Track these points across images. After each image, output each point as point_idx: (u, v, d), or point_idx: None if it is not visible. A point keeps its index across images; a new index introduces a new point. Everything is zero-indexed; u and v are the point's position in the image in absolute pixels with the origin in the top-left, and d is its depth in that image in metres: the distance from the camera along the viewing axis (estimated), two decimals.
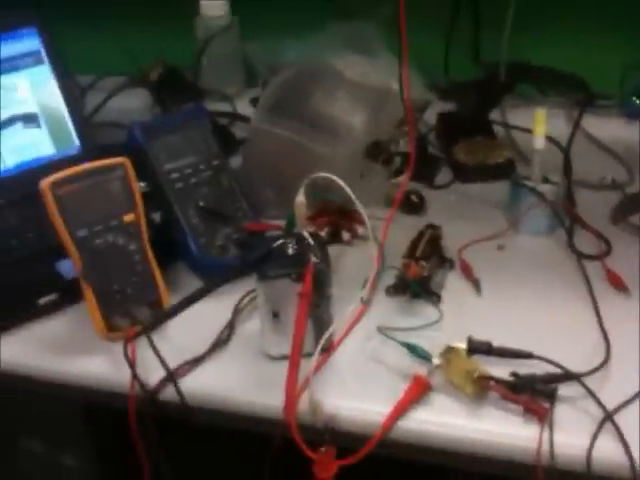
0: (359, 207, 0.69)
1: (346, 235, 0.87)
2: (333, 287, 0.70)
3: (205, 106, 0.91)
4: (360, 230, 0.88)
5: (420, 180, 0.98)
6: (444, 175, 1.02)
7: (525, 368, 0.65)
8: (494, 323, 0.72)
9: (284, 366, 0.65)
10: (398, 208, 0.92)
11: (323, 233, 0.87)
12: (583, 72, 1.08)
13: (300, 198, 0.68)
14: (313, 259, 0.66)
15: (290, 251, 0.68)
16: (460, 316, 0.74)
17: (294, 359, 0.62)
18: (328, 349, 0.70)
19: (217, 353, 0.72)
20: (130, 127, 0.83)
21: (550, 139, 0.93)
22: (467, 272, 0.80)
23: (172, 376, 0.67)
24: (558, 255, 0.83)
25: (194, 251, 0.79)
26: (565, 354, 0.66)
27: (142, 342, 0.70)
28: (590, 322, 0.72)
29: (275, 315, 0.68)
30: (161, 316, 0.71)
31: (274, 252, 0.68)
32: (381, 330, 0.70)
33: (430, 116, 1.08)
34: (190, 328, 0.74)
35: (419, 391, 0.64)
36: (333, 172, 0.89)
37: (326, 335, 0.65)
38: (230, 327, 0.74)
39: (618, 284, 0.76)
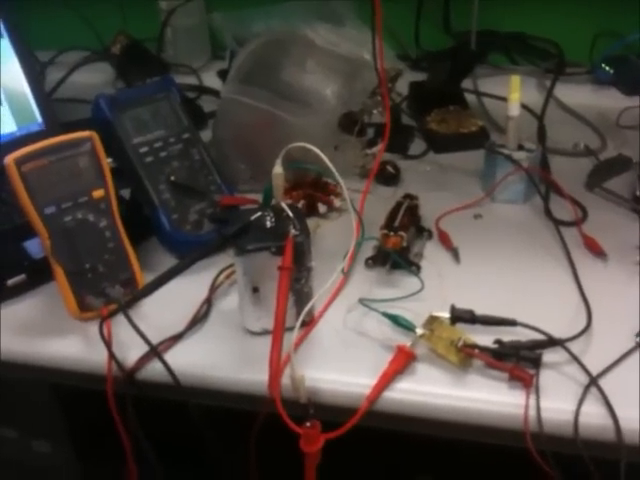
0: (337, 177, 0.67)
1: (322, 207, 0.86)
2: (313, 260, 0.69)
3: (173, 78, 0.88)
4: (336, 202, 0.86)
5: (394, 151, 0.97)
6: (418, 145, 1.01)
7: (509, 335, 0.65)
8: (475, 291, 0.72)
9: (265, 341, 0.63)
10: (374, 179, 0.91)
11: (299, 206, 0.85)
12: (554, 40, 1.08)
13: (278, 169, 0.66)
14: (292, 231, 0.64)
15: (268, 224, 0.66)
16: (441, 285, 0.73)
17: (277, 334, 0.61)
18: (310, 322, 0.69)
19: (196, 330, 0.70)
20: (96, 100, 0.80)
21: (523, 107, 0.93)
22: (445, 241, 0.79)
23: (155, 351, 0.65)
24: (535, 222, 0.83)
25: (166, 227, 0.77)
26: (547, 320, 0.66)
27: (116, 322, 0.68)
28: (570, 288, 0.72)
29: (255, 290, 0.66)
30: (137, 294, 0.69)
31: (252, 226, 0.66)
32: (362, 302, 0.69)
33: (402, 86, 1.07)
34: (166, 306, 0.72)
35: (403, 361, 0.63)
36: (307, 143, 0.88)
37: (307, 308, 0.64)
38: (208, 303, 0.72)
39: (595, 249, 0.76)
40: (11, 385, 0.91)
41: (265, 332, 0.67)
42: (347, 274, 0.75)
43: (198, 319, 0.70)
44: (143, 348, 0.66)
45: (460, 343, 0.62)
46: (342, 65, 0.94)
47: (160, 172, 0.79)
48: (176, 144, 0.80)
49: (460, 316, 0.65)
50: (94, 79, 1.24)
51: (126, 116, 0.79)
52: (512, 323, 0.65)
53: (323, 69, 0.93)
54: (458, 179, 0.92)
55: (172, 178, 0.78)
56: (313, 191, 0.87)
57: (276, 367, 0.61)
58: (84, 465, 1.09)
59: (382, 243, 0.74)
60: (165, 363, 0.65)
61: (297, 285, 0.66)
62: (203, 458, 0.72)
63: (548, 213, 0.82)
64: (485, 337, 0.64)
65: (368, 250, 0.78)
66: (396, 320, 0.66)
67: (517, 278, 0.74)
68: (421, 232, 0.81)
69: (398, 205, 0.79)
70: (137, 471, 0.69)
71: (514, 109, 0.83)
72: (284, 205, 0.66)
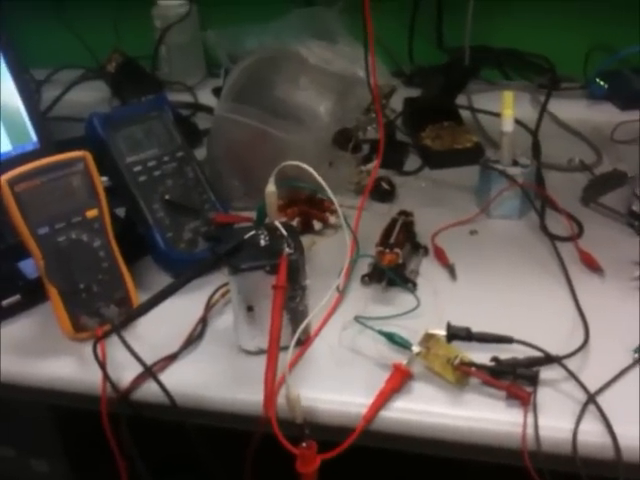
0: (330, 195, 0.67)
1: (317, 224, 0.85)
2: (307, 278, 0.69)
3: (166, 96, 0.88)
4: (331, 219, 0.86)
5: (389, 167, 0.97)
6: (413, 161, 1.01)
7: (506, 353, 0.64)
8: (471, 308, 0.71)
9: (260, 360, 0.63)
10: (368, 196, 0.91)
11: (294, 223, 0.85)
12: (547, 55, 1.08)
13: (271, 187, 0.66)
14: (286, 250, 0.64)
15: (262, 242, 0.66)
16: (437, 303, 0.73)
17: (272, 353, 0.60)
18: (305, 341, 0.68)
19: (191, 350, 0.69)
20: (89, 118, 0.80)
21: (517, 122, 0.93)
22: (441, 258, 0.79)
23: (150, 371, 0.65)
24: (531, 238, 0.82)
25: (161, 246, 0.77)
26: (544, 337, 0.65)
27: (111, 342, 0.67)
28: (567, 304, 0.71)
29: (249, 309, 0.66)
30: (131, 314, 0.68)
31: (245, 244, 0.66)
32: (358, 320, 0.68)
33: (396, 102, 1.07)
34: (162, 325, 0.72)
35: (400, 380, 0.63)
36: (301, 161, 0.88)
37: (302, 327, 0.64)
38: (203, 323, 0.72)
39: (592, 265, 0.76)
40: (8, 403, 0.90)
41: (260, 351, 0.66)
42: (343, 291, 0.74)
43: (193, 338, 0.70)
44: (138, 368, 0.65)
45: (457, 361, 0.62)
46: (335, 82, 0.94)
47: (154, 191, 0.78)
48: (170, 162, 0.80)
49: (456, 334, 0.65)
50: (89, 97, 1.24)
51: (119, 135, 0.79)
52: (509, 340, 0.64)
53: (316, 86, 0.94)
54: (453, 195, 0.92)
55: (166, 197, 0.78)
56: (308, 208, 0.87)
57: (271, 387, 0.60)
58: None
59: (378, 260, 0.74)
60: (160, 383, 0.64)
61: (292, 304, 0.66)
62: (201, 478, 0.71)
63: (544, 228, 0.82)
64: (482, 355, 0.64)
65: (364, 267, 0.77)
66: (392, 338, 0.66)
67: (513, 294, 0.74)
68: (417, 249, 0.80)
69: (393, 222, 0.79)
70: None
71: (508, 125, 0.83)
72: (277, 223, 0.65)
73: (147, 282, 0.78)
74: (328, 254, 0.81)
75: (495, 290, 0.74)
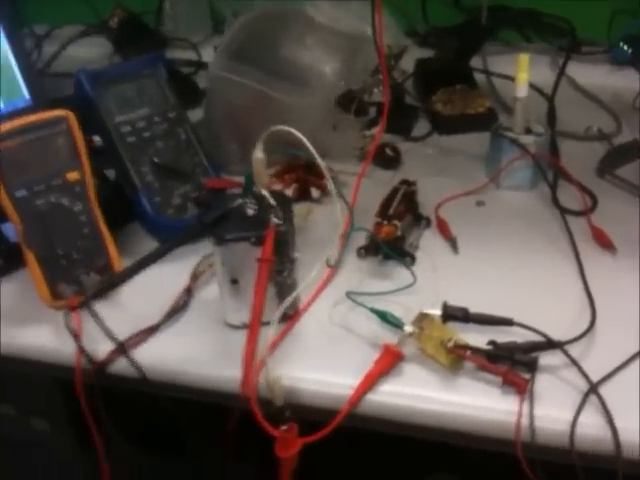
0: (320, 162, 0.63)
1: (315, 192, 0.81)
2: (301, 249, 0.65)
3: (163, 54, 0.84)
4: (331, 187, 0.82)
5: (396, 132, 0.92)
6: (422, 126, 0.96)
7: (504, 336, 0.60)
8: (472, 286, 0.67)
9: (245, 335, 0.59)
10: (373, 162, 0.86)
11: (290, 190, 0.81)
12: (569, 17, 1.02)
13: (258, 154, 0.62)
14: (274, 221, 0.60)
15: (250, 212, 0.62)
16: (435, 279, 0.68)
17: (253, 330, 0.57)
18: (292, 317, 0.65)
19: (173, 321, 0.66)
20: (77, 76, 0.76)
21: (533, 87, 0.87)
22: (444, 230, 0.75)
23: (123, 347, 0.62)
24: (541, 211, 0.77)
25: (148, 211, 0.73)
26: (547, 319, 0.61)
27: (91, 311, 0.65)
28: (574, 284, 0.67)
29: (234, 281, 0.62)
30: (107, 282, 0.65)
31: (232, 213, 0.62)
32: (350, 295, 0.64)
33: (408, 64, 1.01)
34: (145, 295, 0.69)
35: (389, 362, 0.59)
36: (303, 124, 0.82)
37: (287, 302, 0.60)
38: (187, 293, 0.68)
39: (604, 242, 0.71)
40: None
41: (245, 326, 0.63)
42: (337, 264, 0.70)
43: (176, 310, 0.67)
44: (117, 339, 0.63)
45: (451, 343, 0.58)
46: (342, 42, 0.89)
47: (143, 153, 0.75)
48: (161, 123, 0.76)
49: (452, 314, 0.61)
50: (91, 53, 1.19)
51: (109, 93, 0.75)
52: (508, 323, 0.60)
53: (322, 46, 0.88)
54: (462, 163, 0.87)
55: (155, 159, 0.74)
56: (306, 175, 0.83)
57: (249, 365, 0.57)
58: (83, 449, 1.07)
59: (374, 233, 0.70)
60: (130, 358, 0.61)
61: (279, 277, 0.62)
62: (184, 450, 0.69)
63: (555, 201, 0.77)
64: (479, 337, 0.60)
65: (362, 238, 0.73)
66: (384, 317, 0.62)
67: (518, 272, 0.69)
68: (419, 220, 0.76)
69: (394, 191, 0.75)
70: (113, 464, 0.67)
71: (522, 90, 0.77)
72: (265, 192, 0.61)
73: (135, 248, 0.74)
74: (325, 224, 0.77)
75: (499, 267, 0.70)
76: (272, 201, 0.61)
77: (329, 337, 0.63)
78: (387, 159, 0.86)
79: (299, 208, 0.79)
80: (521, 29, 1.08)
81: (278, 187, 0.81)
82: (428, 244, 0.74)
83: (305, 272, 0.65)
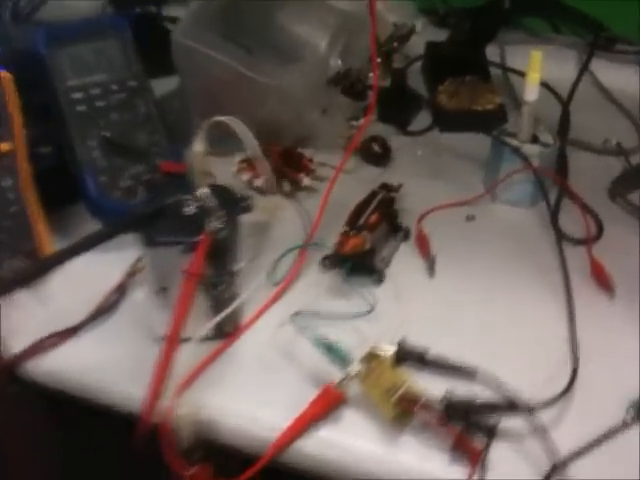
0: (258, 155, 0.53)
1: (286, 185, 0.72)
2: (261, 249, 0.58)
3: (134, 13, 0.75)
4: (305, 180, 0.73)
5: (392, 122, 0.83)
6: (424, 119, 0.85)
7: (467, 386, 0.52)
8: (442, 318, 0.58)
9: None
10: (360, 156, 0.77)
11: (260, 181, 0.72)
12: (602, 9, 0.90)
13: (198, 146, 0.53)
14: (211, 227, 0.51)
15: (189, 211, 0.54)
16: (402, 305, 0.60)
17: (167, 351, 0.49)
18: (230, 335, 0.57)
19: (98, 323, 0.59)
20: (33, 32, 0.68)
21: (547, 87, 0.77)
22: (423, 247, 0.66)
23: (33, 349, 0.54)
24: (537, 234, 0.68)
25: (91, 191, 0.65)
26: (521, 369, 0.53)
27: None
28: (560, 329, 0.57)
29: (163, 289, 0.54)
30: (30, 269, 0.58)
31: (170, 210, 0.54)
32: (296, 318, 0.56)
33: (419, 46, 0.92)
34: (75, 288, 0.61)
35: (327, 405, 0.51)
36: (283, 106, 0.74)
37: (215, 320, 0.52)
38: (119, 292, 0.60)
39: (602, 280, 0.61)
40: None
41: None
42: (276, 283, 0.61)
43: (102, 311, 0.59)
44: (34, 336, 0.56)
45: (398, 394, 0.49)
46: (342, 19, 0.79)
47: (93, 124, 0.66)
48: (118, 93, 0.68)
49: (408, 355, 0.52)
50: (82, 3, 1.10)
51: (64, 52, 0.67)
52: (472, 374, 0.52)
53: (317, 21, 0.78)
54: (459, 168, 0.77)
55: (106, 133, 0.66)
56: (282, 164, 0.74)
57: (156, 390, 0.48)
58: None
59: (338, 244, 0.61)
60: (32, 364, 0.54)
61: (214, 291, 0.54)
62: None
63: (554, 224, 0.67)
64: (438, 384, 0.51)
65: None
66: (329, 349, 0.53)
67: (497, 307, 0.60)
68: (396, 231, 0.67)
69: (371, 196, 0.66)
70: None
71: (531, 92, 0.67)
72: (204, 192, 0.53)
73: (78, 232, 0.66)
74: (291, 224, 0.68)
75: (476, 298, 0.61)
76: (211, 202, 0.52)
77: (267, 363, 0.55)
78: (373, 155, 0.76)
79: (265, 201, 0.71)
80: (550, 18, 0.97)
81: (246, 176, 0.73)
82: (402, 260, 0.65)
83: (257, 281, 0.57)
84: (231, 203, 0.55)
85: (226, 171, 0.74)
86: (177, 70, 0.76)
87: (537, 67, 0.66)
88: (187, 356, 0.52)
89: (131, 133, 0.67)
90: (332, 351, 0.53)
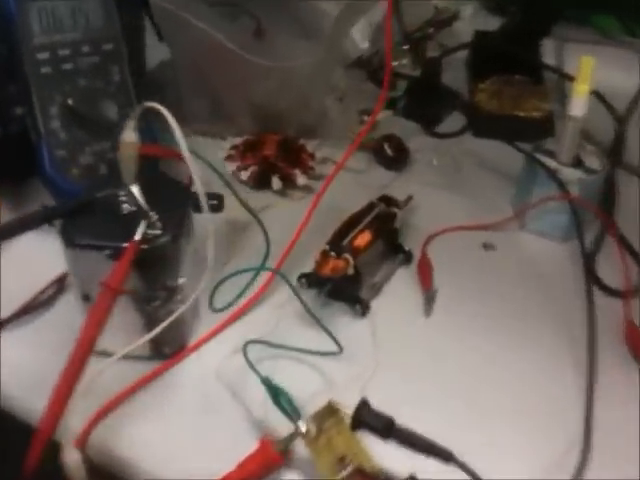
0: (184, 151, 0.43)
1: (276, 183, 0.62)
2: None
3: None
4: (300, 179, 0.62)
5: (417, 120, 0.72)
6: (455, 120, 0.74)
7: (439, 467, 0.41)
8: (427, 372, 0.48)
9: (97, 364, 0.42)
10: (373, 155, 0.67)
11: (246, 174, 0.62)
12: None
13: (129, 135, 0.43)
14: (141, 231, 0.42)
15: (125, 209, 0.44)
16: (382, 348, 0.49)
17: (66, 379, 0.39)
18: (170, 357, 0.47)
19: (27, 319, 0.50)
20: None
21: (602, 100, 0.65)
22: (424, 276, 0.55)
23: None
24: (567, 276, 0.56)
25: (45, 166, 0.56)
26: (514, 455, 0.42)
27: None
28: (574, 403, 0.46)
29: (86, 298, 0.45)
30: None
31: (100, 205, 0.44)
32: (249, 348, 0.46)
33: (467, 34, 0.80)
34: (17, 271, 0.52)
35: (263, 464, 0.41)
36: (284, 89, 0.63)
37: (144, 339, 0.42)
38: (59, 285, 0.51)
39: (637, 350, 0.49)
40: None
41: (103, 353, 0.46)
42: (262, 295, 0.52)
43: (34, 306, 0.50)
44: None
45: (351, 466, 0.39)
46: None
47: (56, 90, 0.57)
48: (90, 55, 0.58)
49: (368, 421, 0.42)
50: None
51: (35, 6, 0.57)
52: (445, 457, 0.41)
53: None
54: (484, 182, 0.65)
55: (69, 101, 0.57)
56: (278, 155, 0.63)
57: (53, 411, 0.39)
58: None
59: (317, 264, 0.50)
60: None
61: (148, 307, 0.44)
62: None
63: (588, 268, 0.55)
64: (402, 459, 0.41)
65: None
66: (276, 396, 0.43)
67: (499, 366, 0.49)
68: (396, 253, 0.56)
69: (367, 209, 0.55)
70: None
71: (577, 106, 0.55)
72: (135, 189, 0.43)
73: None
74: (275, 229, 0.58)
75: (477, 351, 0.50)
76: (142, 203, 0.42)
77: (207, 397, 0.46)
78: (386, 157, 0.65)
79: (255, 200, 0.60)
80: (624, 18, 0.83)
81: (232, 166, 0.63)
82: (396, 289, 0.54)
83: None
84: (180, 202, 0.45)
85: (216, 156, 0.65)
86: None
87: (587, 77, 0.54)
88: (115, 375, 0.43)
89: (99, 104, 0.57)
90: (279, 398, 0.43)
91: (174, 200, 0.43)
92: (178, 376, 0.47)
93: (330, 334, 0.47)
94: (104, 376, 0.42)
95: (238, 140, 0.65)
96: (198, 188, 0.42)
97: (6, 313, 0.50)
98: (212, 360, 0.48)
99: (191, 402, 0.46)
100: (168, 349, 0.47)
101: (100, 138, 0.57)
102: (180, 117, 0.63)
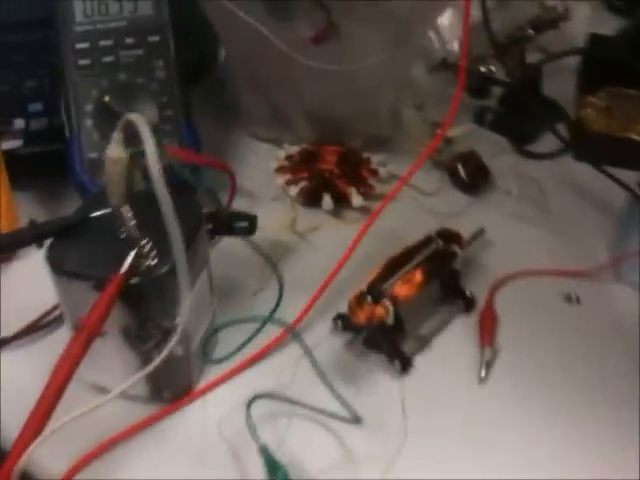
0: (152, 159, 0.36)
1: (327, 202, 0.54)
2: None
3: None
4: (355, 199, 0.55)
5: (507, 134, 0.62)
6: (553, 137, 0.63)
7: None
8: (469, 461, 0.39)
9: (87, 398, 0.37)
10: (449, 178, 0.58)
11: (295, 190, 0.55)
12: None
13: (114, 150, 0.37)
14: (131, 261, 0.36)
15: (124, 232, 0.38)
16: (415, 418, 0.41)
17: (30, 423, 0.34)
18: (167, 404, 0.41)
19: (29, 340, 0.45)
20: None
21: None
22: (486, 331, 0.46)
23: None
24: None
25: (75, 168, 0.52)
26: None
27: None
28: None
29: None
30: None
31: (96, 226, 0.38)
32: (248, 407, 0.39)
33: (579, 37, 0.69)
34: (26, 290, 0.48)
35: None
36: (345, 95, 0.55)
37: (134, 379, 0.36)
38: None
39: None
40: None
41: (95, 387, 0.41)
42: (227, 358, 0.44)
43: (39, 326, 0.46)
44: None
45: None
46: None
47: (94, 84, 0.52)
48: (134, 48, 0.53)
49: None
50: None
51: None
52: None
53: None
54: (578, 218, 0.55)
55: (105, 98, 0.52)
56: (335, 170, 0.56)
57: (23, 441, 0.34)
58: None
59: (349, 311, 0.42)
60: None
61: (143, 346, 0.38)
62: None
63: None
64: None
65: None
66: (272, 470, 0.36)
67: (571, 462, 0.39)
68: (455, 298, 0.47)
69: (422, 244, 0.46)
70: None
71: None
72: (124, 210, 0.37)
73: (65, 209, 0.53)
74: (318, 256, 0.51)
75: (540, 439, 0.40)
76: (134, 229, 0.36)
77: (201, 454, 0.39)
78: (461, 180, 0.56)
79: (305, 219, 0.53)
80: None
81: (282, 179, 0.56)
82: (449, 344, 0.46)
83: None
84: (190, 226, 0.38)
85: (268, 166, 0.58)
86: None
87: None
88: (113, 414, 0.38)
89: (138, 103, 0.52)
90: (275, 473, 0.36)
91: (184, 224, 0.37)
92: (177, 424, 0.41)
93: (344, 402, 0.39)
94: (100, 415, 0.37)
95: (295, 149, 0.58)
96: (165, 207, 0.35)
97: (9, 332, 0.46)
98: (217, 410, 0.41)
99: (185, 455, 0.40)
100: (167, 393, 0.41)
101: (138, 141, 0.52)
102: (236, 118, 0.57)
